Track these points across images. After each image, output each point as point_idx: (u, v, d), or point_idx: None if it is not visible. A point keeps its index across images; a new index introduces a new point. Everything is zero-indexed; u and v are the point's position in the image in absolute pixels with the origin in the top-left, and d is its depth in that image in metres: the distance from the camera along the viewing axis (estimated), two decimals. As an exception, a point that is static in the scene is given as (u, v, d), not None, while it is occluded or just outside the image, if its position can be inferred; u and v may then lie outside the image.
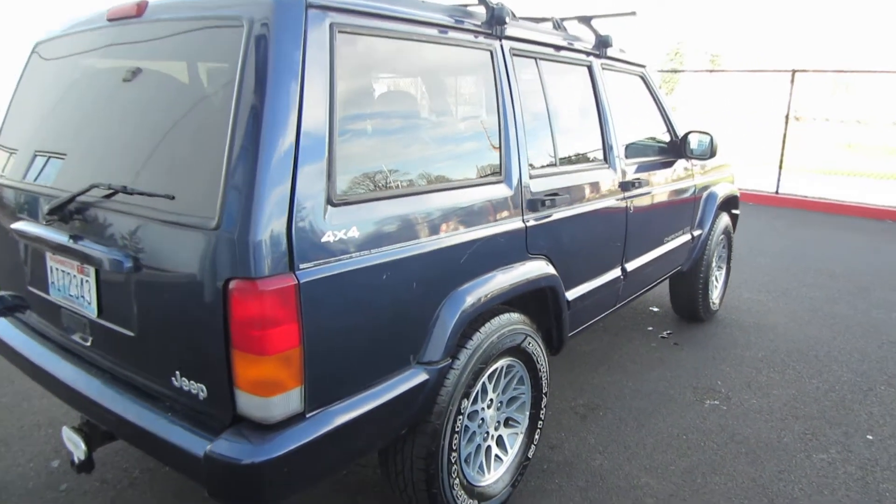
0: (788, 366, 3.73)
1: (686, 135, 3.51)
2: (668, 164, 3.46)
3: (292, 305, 1.51)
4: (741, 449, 2.82)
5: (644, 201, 3.11)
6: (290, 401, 1.55)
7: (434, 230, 1.87)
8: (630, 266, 3.07)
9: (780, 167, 9.68)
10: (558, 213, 2.42)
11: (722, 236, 4.30)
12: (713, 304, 4.38)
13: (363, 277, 1.66)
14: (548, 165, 2.46)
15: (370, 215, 1.70)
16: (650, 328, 4.30)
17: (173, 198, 1.59)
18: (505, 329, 2.15)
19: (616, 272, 2.97)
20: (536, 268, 2.28)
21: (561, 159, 2.54)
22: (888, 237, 7.58)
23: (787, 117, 9.70)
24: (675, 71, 18.36)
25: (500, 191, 2.16)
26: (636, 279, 3.18)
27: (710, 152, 3.39)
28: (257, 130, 1.47)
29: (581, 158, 2.75)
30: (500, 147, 2.19)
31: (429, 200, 1.88)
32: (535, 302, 2.39)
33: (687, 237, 3.78)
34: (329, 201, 1.60)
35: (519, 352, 2.26)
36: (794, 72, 9.65)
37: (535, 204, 2.29)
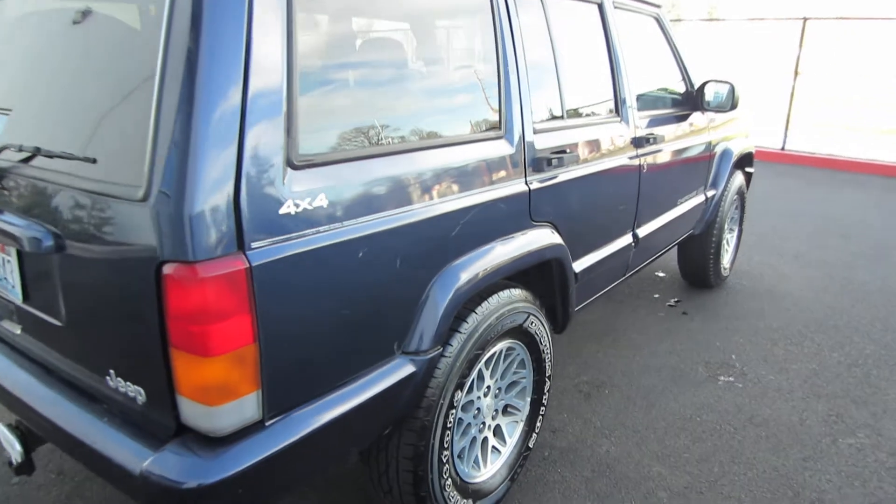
0: (806, 337, 3.48)
1: (703, 85, 3.18)
2: (683, 118, 3.13)
3: (243, 293, 1.21)
4: (761, 433, 2.58)
5: (658, 159, 2.79)
6: (244, 408, 1.27)
7: (422, 196, 1.57)
8: (642, 231, 2.77)
9: (787, 123, 9.30)
10: (566, 174, 2.11)
11: (735, 197, 4.00)
12: (724, 269, 4.11)
13: (334, 256, 1.36)
14: (554, 119, 2.14)
15: (343, 179, 1.39)
16: (656, 295, 4.03)
17: (94, 161, 1.28)
18: (505, 308, 1.87)
19: (627, 239, 2.67)
20: (541, 237, 1.98)
21: (569, 112, 2.22)
22: (899, 195, 7.28)
23: (795, 70, 9.28)
24: (674, 21, 17.63)
25: (500, 148, 1.85)
26: (648, 246, 2.89)
27: (731, 104, 3.06)
28: (191, 75, 1.15)
29: (591, 111, 2.42)
30: (499, 98, 1.86)
31: (415, 161, 1.56)
32: (539, 275, 2.10)
33: (700, 198, 3.48)
34: (289, 163, 1.29)
35: (520, 333, 1.99)
36: (805, 19, 9.18)
37: (539, 163, 1.98)
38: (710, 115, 3.38)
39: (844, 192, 7.28)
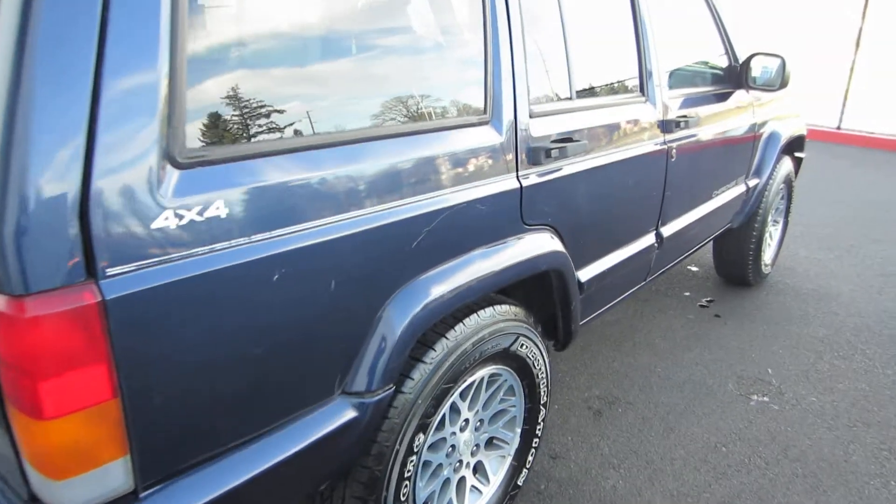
0: (857, 349, 3.06)
1: (749, 59, 2.74)
2: (724, 97, 2.71)
3: (96, 335, 0.91)
4: (797, 469, 2.22)
5: (690, 146, 2.39)
6: (108, 478, 0.98)
7: (367, 200, 1.23)
8: (667, 230, 2.39)
9: (845, 100, 8.60)
10: (572, 166, 1.75)
11: (782, 185, 3.55)
12: (765, 266, 3.68)
13: (236, 281, 1.05)
14: (558, 100, 1.77)
15: (250, 181, 1.06)
16: (687, 293, 3.63)
17: None
18: (485, 331, 1.54)
19: (649, 238, 2.30)
20: (536, 245, 1.63)
21: (579, 91, 1.85)
22: (968, 183, 6.62)
23: (857, 42, 8.53)
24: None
25: (484, 137, 1.49)
26: (675, 245, 2.50)
27: (781, 81, 2.63)
28: (22, 33, 0.84)
29: (608, 89, 2.04)
30: (485, 73, 1.51)
31: (356, 155, 1.23)
32: (535, 287, 1.76)
33: (741, 188, 3.06)
34: (171, 160, 0.97)
35: (508, 357, 1.66)
36: (870, -13, 8.40)
37: (536, 154, 1.62)
38: (755, 93, 2.94)
39: (906, 178, 6.66)
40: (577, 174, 1.77)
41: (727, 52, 2.79)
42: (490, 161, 1.49)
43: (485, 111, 1.50)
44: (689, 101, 2.43)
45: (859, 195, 5.84)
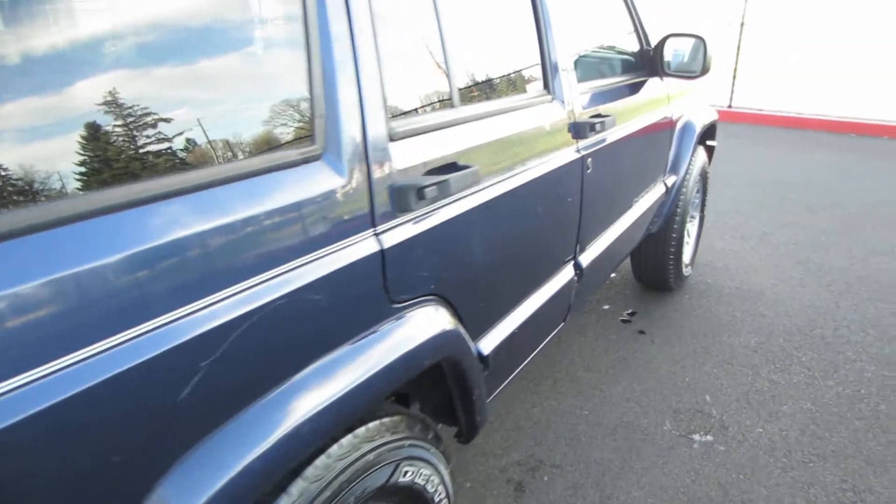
0: (792, 358, 2.77)
1: (663, 41, 2.34)
2: (638, 88, 2.30)
3: None
4: (760, 536, 1.84)
5: (608, 151, 1.95)
6: None
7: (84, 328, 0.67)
8: (587, 257, 1.94)
9: (734, 78, 8.64)
10: (459, 204, 1.24)
11: (698, 179, 3.23)
12: (685, 267, 3.35)
13: None
14: (434, 109, 1.25)
15: None
16: (607, 306, 3.25)
17: None
18: (344, 475, 1.00)
19: (567, 273, 1.84)
20: (413, 331, 1.12)
21: (465, 93, 1.34)
22: (855, 154, 6.73)
23: (741, 22, 8.58)
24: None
25: (313, 180, 0.95)
26: (597, 272, 2.07)
27: (702, 67, 2.24)
28: None
29: (504, 87, 1.55)
30: (308, 82, 0.96)
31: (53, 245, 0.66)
32: (422, 381, 1.24)
33: (660, 190, 2.68)
34: None
35: (389, 493, 1.13)
36: (750, -36, 8.44)
37: (403, 196, 1.09)
38: (669, 80, 2.55)
39: (804, 155, 6.68)
40: (468, 213, 1.26)
41: (637, 34, 2.37)
42: (325, 217, 0.95)
43: (312, 141, 0.95)
44: (601, 96, 1.99)
45: (762, 175, 5.74)
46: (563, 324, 1.96)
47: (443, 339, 1.17)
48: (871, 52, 8.25)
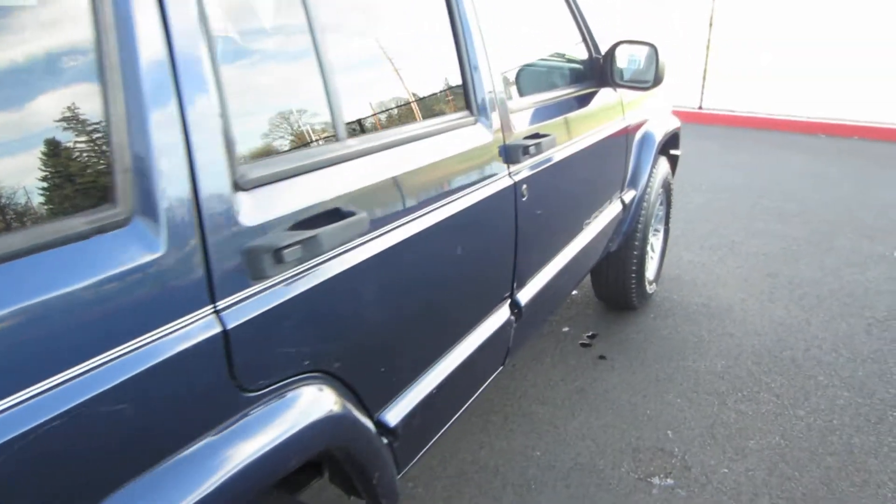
0: (761, 383, 2.59)
1: (613, 49, 2.14)
2: (587, 99, 2.10)
3: None
4: None
5: (548, 174, 1.75)
6: None
7: None
8: (527, 293, 1.74)
9: (704, 78, 8.52)
10: (341, 261, 1.02)
11: (660, 191, 3.05)
12: (649, 284, 3.17)
13: None
14: (307, 145, 1.04)
15: None
16: (566, 328, 3.06)
17: None
18: None
19: (501, 314, 1.63)
20: (276, 425, 0.90)
21: (351, 122, 1.12)
22: (826, 156, 6.63)
23: (710, 21, 8.46)
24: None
25: (115, 251, 0.73)
26: (541, 306, 1.87)
27: (655, 77, 2.05)
28: None
29: (405, 114, 1.33)
30: (106, 114, 0.73)
31: None
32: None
33: (616, 208, 2.49)
34: None
35: None
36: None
37: (254, 262, 0.87)
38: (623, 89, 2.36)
39: (775, 157, 6.56)
40: (355, 269, 1.05)
41: (585, 41, 2.17)
42: (137, 299, 0.73)
43: (113, 203, 0.73)
44: (543, 112, 1.79)
45: (733, 180, 5.60)
46: (501, 368, 1.76)
47: (323, 426, 0.96)
48: (841, 54, 8.19)
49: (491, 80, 1.50)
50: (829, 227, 4.44)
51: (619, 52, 2.12)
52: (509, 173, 1.55)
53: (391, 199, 1.14)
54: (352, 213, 0.98)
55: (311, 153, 1.00)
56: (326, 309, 0.99)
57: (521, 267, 1.65)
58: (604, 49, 2.18)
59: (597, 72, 2.16)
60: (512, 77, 1.70)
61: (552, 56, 2.15)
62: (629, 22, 9.42)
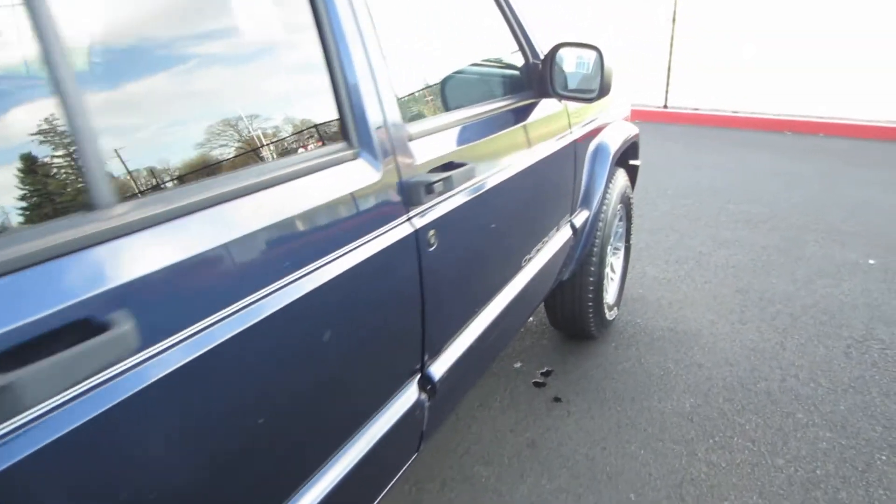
0: (734, 426, 2.30)
1: (552, 53, 1.81)
2: (523, 114, 1.77)
3: None
4: None
5: (468, 213, 1.41)
6: None
7: None
8: (443, 363, 1.40)
9: (668, 77, 8.30)
10: (127, 380, 0.68)
11: (619, 207, 2.75)
12: (609, 310, 2.86)
13: None
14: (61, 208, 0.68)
15: None
16: (518, 363, 2.74)
17: None
18: None
19: (408, 395, 1.29)
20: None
21: (141, 173, 0.77)
22: (792, 153, 6.44)
23: (673, 17, 8.24)
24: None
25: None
26: (464, 373, 1.52)
27: (600, 87, 1.72)
28: None
29: (239, 156, 0.98)
30: None
31: None
32: None
33: (565, 234, 2.17)
34: None
35: None
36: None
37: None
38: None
39: (741, 156, 6.34)
40: (140, 395, 0.69)
41: (521, 45, 1.84)
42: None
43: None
44: (462, 134, 1.45)
45: (698, 183, 5.35)
46: (415, 456, 1.41)
47: None
48: (808, 46, 8.03)
49: (378, 99, 1.16)
50: (799, 232, 4.20)
51: (560, 56, 1.79)
52: (409, 219, 1.20)
53: (218, 277, 0.80)
54: (104, 330, 0.63)
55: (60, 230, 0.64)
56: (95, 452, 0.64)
57: (433, 333, 1.31)
58: (543, 51, 1.84)
59: (535, 80, 1.83)
60: (418, 92, 1.37)
61: (480, 63, 1.82)
62: (590, 20, 9.16)
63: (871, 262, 3.71)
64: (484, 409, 2.42)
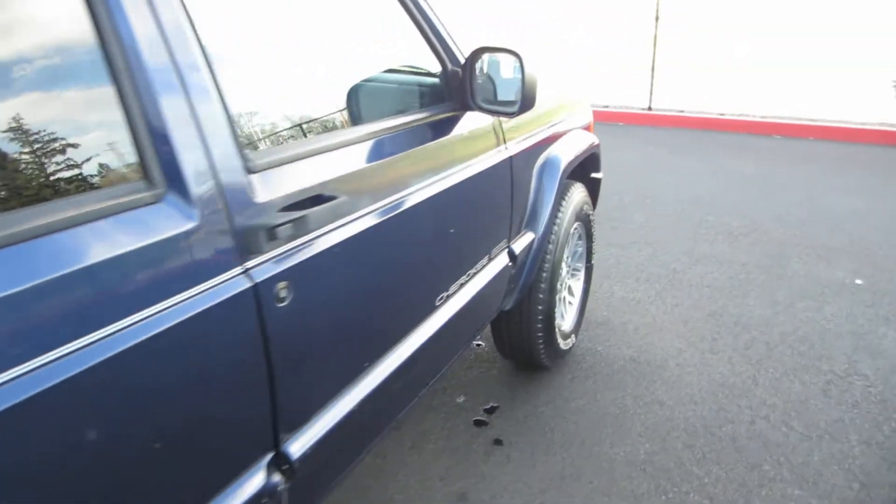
0: (692, 479, 2.05)
1: (471, 60, 1.55)
2: (434, 130, 1.50)
3: None
4: None
5: (339, 258, 1.14)
6: None
7: None
8: (306, 439, 1.13)
9: (652, 77, 8.03)
10: None
11: (576, 226, 2.49)
12: (564, 339, 2.60)
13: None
14: None
15: None
16: (462, 398, 2.48)
17: None
18: None
19: (253, 481, 1.03)
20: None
21: None
22: (779, 159, 6.18)
23: (656, 15, 7.98)
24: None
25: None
26: (343, 443, 1.26)
27: (521, 99, 1.45)
28: None
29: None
30: None
31: None
32: None
33: (500, 262, 1.91)
34: None
35: None
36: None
37: None
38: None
39: (726, 163, 6.07)
40: None
41: (434, 49, 1.56)
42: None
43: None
44: (350, 157, 1.19)
45: (679, 192, 5.08)
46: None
47: None
48: (797, 45, 7.75)
49: (195, 121, 0.89)
50: (782, 247, 3.94)
51: (482, 63, 1.52)
52: (246, 271, 0.94)
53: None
54: None
55: None
56: None
57: (288, 405, 1.05)
58: (462, 56, 1.58)
59: (455, 91, 1.57)
60: (280, 110, 1.11)
61: (392, 70, 1.55)
62: (561, 19, 8.85)
63: (858, 281, 3.46)
64: (415, 452, 2.16)
